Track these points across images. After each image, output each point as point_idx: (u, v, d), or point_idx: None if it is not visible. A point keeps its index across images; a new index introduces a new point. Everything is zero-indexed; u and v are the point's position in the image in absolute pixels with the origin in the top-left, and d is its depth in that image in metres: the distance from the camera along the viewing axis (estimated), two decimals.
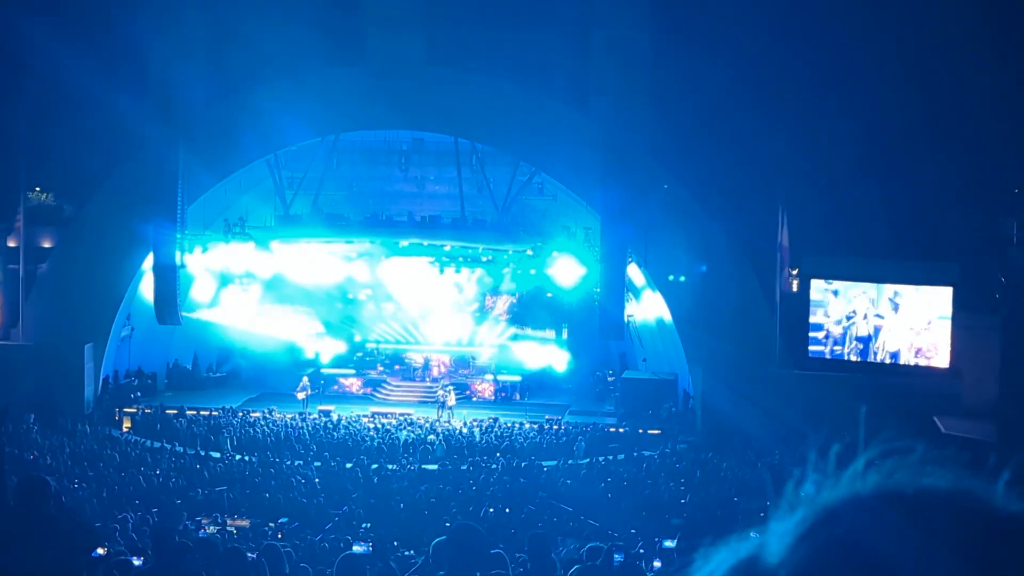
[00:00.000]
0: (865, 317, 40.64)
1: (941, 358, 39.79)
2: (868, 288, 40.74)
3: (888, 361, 40.38)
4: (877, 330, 40.54)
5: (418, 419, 42.69)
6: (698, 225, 41.41)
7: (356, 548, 19.67)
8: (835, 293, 41.09)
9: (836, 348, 41.13)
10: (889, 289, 40.49)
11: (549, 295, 46.57)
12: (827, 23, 40.99)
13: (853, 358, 40.80)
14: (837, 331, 40.98)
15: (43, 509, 8.39)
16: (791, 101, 41.23)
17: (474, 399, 46.92)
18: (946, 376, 39.35)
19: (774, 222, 41.28)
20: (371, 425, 41.60)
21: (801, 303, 41.45)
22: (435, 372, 48.56)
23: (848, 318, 40.87)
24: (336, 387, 47.79)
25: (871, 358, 40.60)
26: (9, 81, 42.90)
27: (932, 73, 39.59)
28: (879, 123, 40.02)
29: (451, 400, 44.32)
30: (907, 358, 40.21)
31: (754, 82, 41.14)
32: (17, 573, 6.89)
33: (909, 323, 40.24)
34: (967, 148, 40.33)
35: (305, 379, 45.79)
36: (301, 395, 44.89)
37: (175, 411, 42.68)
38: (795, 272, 42.75)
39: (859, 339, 40.76)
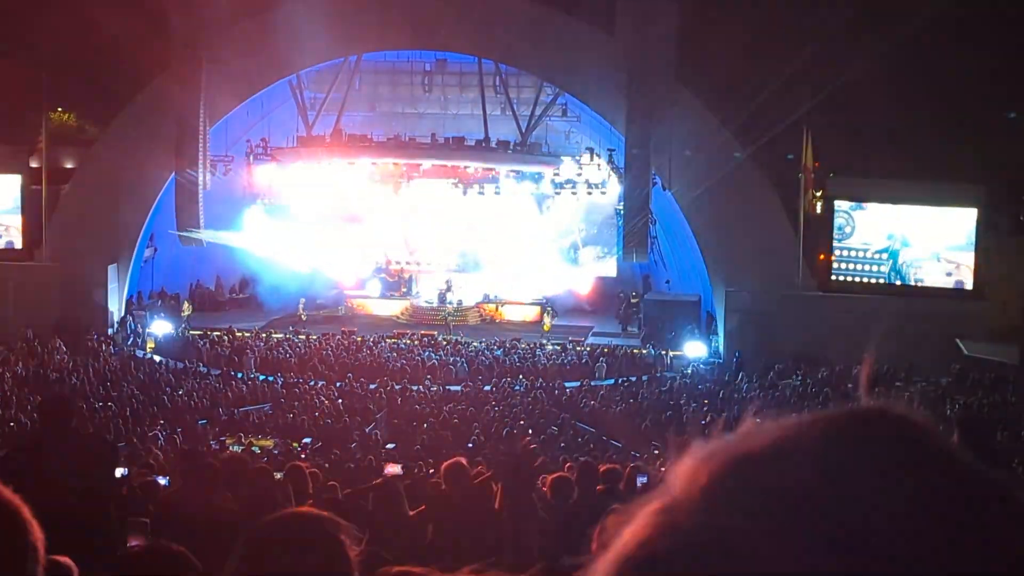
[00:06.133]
0: (890, 239, 40.43)
1: (965, 280, 39.60)
2: (893, 210, 40.49)
3: (912, 283, 40.20)
4: (900, 252, 40.32)
5: (441, 340, 42.75)
6: (722, 147, 41.06)
7: (389, 469, 19.70)
8: (859, 215, 40.84)
9: (860, 270, 40.95)
10: (914, 210, 40.24)
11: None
12: None
13: (877, 281, 40.63)
14: (861, 253, 40.81)
15: (66, 425, 8.45)
16: (816, 19, 40.71)
17: (497, 320, 46.99)
18: (970, 298, 39.18)
19: (798, 144, 40.97)
20: (394, 345, 41.68)
21: (825, 225, 41.25)
22: (458, 294, 48.38)
23: (873, 240, 40.66)
24: (357, 308, 47.91)
25: (895, 280, 40.42)
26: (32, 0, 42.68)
27: None
28: (903, 43, 39.49)
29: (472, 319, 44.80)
30: (931, 280, 40.02)
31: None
32: (43, 486, 6.93)
33: (934, 245, 40.02)
34: (995, 71, 39.85)
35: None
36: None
37: (199, 332, 42.82)
38: (819, 194, 42.46)
39: (883, 261, 40.57)
